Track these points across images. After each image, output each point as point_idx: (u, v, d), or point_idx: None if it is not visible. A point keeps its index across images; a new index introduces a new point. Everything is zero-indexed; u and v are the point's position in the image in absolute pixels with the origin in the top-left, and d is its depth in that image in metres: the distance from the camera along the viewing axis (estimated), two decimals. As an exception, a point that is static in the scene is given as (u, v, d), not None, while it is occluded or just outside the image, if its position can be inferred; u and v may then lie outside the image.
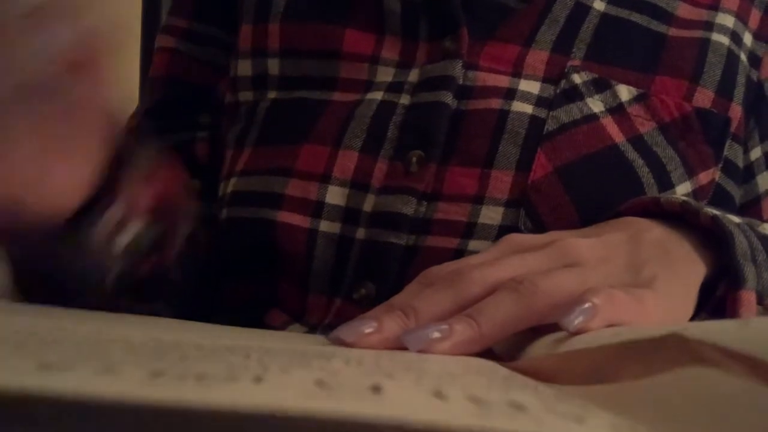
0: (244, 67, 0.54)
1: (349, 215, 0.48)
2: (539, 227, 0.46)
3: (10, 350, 0.17)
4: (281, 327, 0.49)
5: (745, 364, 0.15)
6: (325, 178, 0.48)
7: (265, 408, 0.13)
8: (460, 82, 0.49)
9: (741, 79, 0.52)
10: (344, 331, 0.29)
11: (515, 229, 0.46)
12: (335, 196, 0.48)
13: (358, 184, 0.48)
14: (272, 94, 0.53)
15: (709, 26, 0.52)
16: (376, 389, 0.16)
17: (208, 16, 0.58)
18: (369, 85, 0.50)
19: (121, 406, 0.13)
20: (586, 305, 0.29)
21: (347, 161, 0.48)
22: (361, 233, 0.48)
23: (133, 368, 0.16)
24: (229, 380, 0.16)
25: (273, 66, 0.53)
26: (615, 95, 0.49)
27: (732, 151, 0.52)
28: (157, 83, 0.59)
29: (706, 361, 0.17)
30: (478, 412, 0.15)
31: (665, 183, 0.48)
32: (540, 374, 0.24)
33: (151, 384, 0.14)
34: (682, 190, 0.49)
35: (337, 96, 0.51)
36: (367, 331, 0.29)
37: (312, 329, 0.48)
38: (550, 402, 0.19)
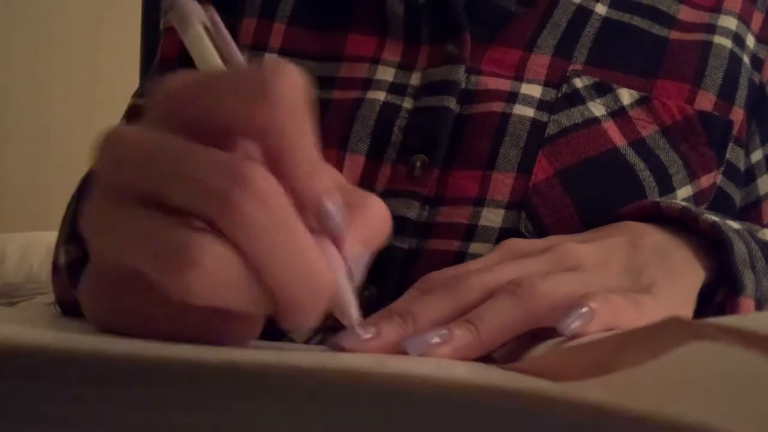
0: None
1: None
2: (540, 230, 0.46)
3: None
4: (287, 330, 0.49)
5: (742, 337, 0.15)
6: None
7: (277, 363, 0.14)
8: (463, 86, 0.49)
9: (743, 82, 0.52)
10: (343, 338, 0.29)
11: (516, 231, 0.46)
12: None
13: (364, 189, 0.48)
14: None
15: (711, 29, 0.52)
16: (380, 365, 0.17)
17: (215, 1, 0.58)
18: (368, 83, 0.50)
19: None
20: (584, 309, 0.29)
21: (355, 166, 0.48)
22: None
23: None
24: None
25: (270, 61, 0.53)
26: (617, 99, 0.49)
27: (733, 153, 0.52)
28: (167, 65, 0.58)
29: (704, 337, 0.17)
30: (478, 376, 0.15)
31: (667, 186, 0.48)
32: (539, 374, 0.24)
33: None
34: (684, 193, 0.49)
35: (336, 94, 0.51)
36: (366, 337, 0.29)
37: (314, 332, 0.48)
38: (549, 382, 0.19)
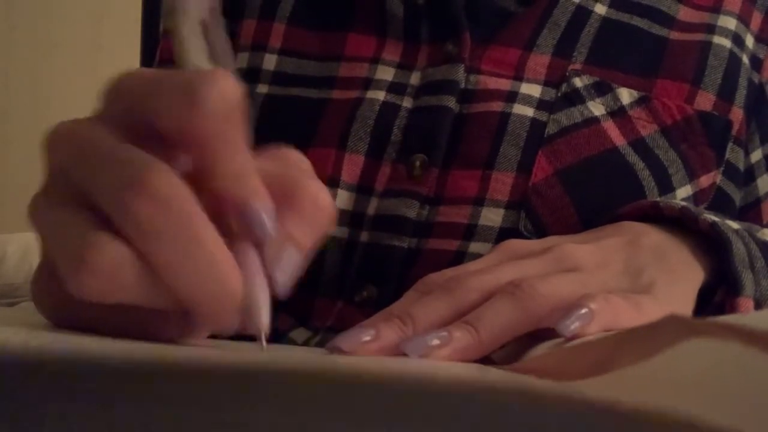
0: (240, 60, 0.54)
1: (354, 219, 0.48)
2: (539, 230, 0.46)
3: None
4: (286, 330, 0.49)
5: (741, 334, 0.15)
6: (333, 183, 0.48)
7: (276, 364, 0.14)
8: (462, 86, 0.49)
9: (742, 82, 0.52)
10: (342, 340, 0.29)
11: (516, 231, 0.46)
12: (343, 200, 0.48)
13: (364, 188, 0.48)
14: (263, 89, 0.53)
15: (711, 29, 0.52)
16: (378, 365, 0.17)
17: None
18: (368, 83, 0.50)
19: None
20: (583, 310, 0.29)
21: (354, 166, 0.48)
22: (364, 236, 0.48)
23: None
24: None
25: (269, 61, 0.53)
26: (616, 98, 0.49)
27: (733, 153, 0.52)
28: (166, 67, 0.58)
29: (702, 334, 0.17)
30: (478, 373, 0.15)
31: (666, 186, 0.48)
32: (539, 374, 0.24)
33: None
34: (683, 193, 0.49)
35: (336, 94, 0.51)
36: (365, 339, 0.29)
37: (315, 332, 0.48)
38: (550, 381, 0.19)
